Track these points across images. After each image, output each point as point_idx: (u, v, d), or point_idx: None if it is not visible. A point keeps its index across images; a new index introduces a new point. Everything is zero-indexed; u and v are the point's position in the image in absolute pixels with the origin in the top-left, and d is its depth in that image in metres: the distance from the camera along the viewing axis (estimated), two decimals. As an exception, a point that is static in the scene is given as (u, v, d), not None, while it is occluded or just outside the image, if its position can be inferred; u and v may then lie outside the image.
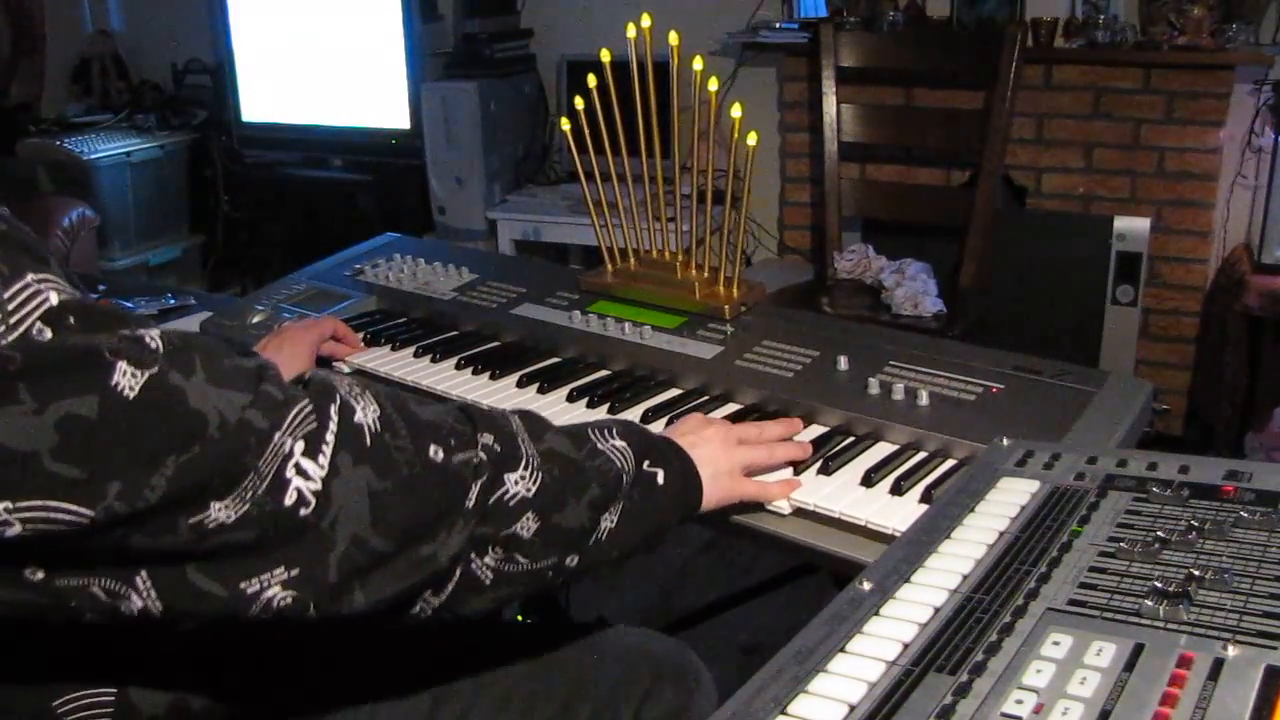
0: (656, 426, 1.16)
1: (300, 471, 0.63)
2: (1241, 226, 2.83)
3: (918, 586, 0.68)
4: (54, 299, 0.58)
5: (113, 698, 0.75)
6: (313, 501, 0.63)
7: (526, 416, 0.81)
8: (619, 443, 0.85)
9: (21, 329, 0.56)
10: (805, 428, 1.14)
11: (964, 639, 0.61)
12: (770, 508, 0.99)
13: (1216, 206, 2.78)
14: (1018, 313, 2.89)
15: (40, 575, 0.59)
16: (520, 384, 1.28)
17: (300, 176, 3.72)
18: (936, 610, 0.65)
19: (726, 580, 2.37)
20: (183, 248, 4.03)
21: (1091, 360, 2.85)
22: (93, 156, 3.68)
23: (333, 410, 0.66)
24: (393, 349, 1.40)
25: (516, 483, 0.74)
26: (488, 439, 0.75)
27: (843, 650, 0.62)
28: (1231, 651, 0.57)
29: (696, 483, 0.91)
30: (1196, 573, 0.64)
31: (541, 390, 1.26)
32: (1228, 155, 2.75)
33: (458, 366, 1.34)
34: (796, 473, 1.03)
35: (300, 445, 0.63)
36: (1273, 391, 2.54)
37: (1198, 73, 2.66)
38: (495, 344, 1.41)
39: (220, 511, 0.60)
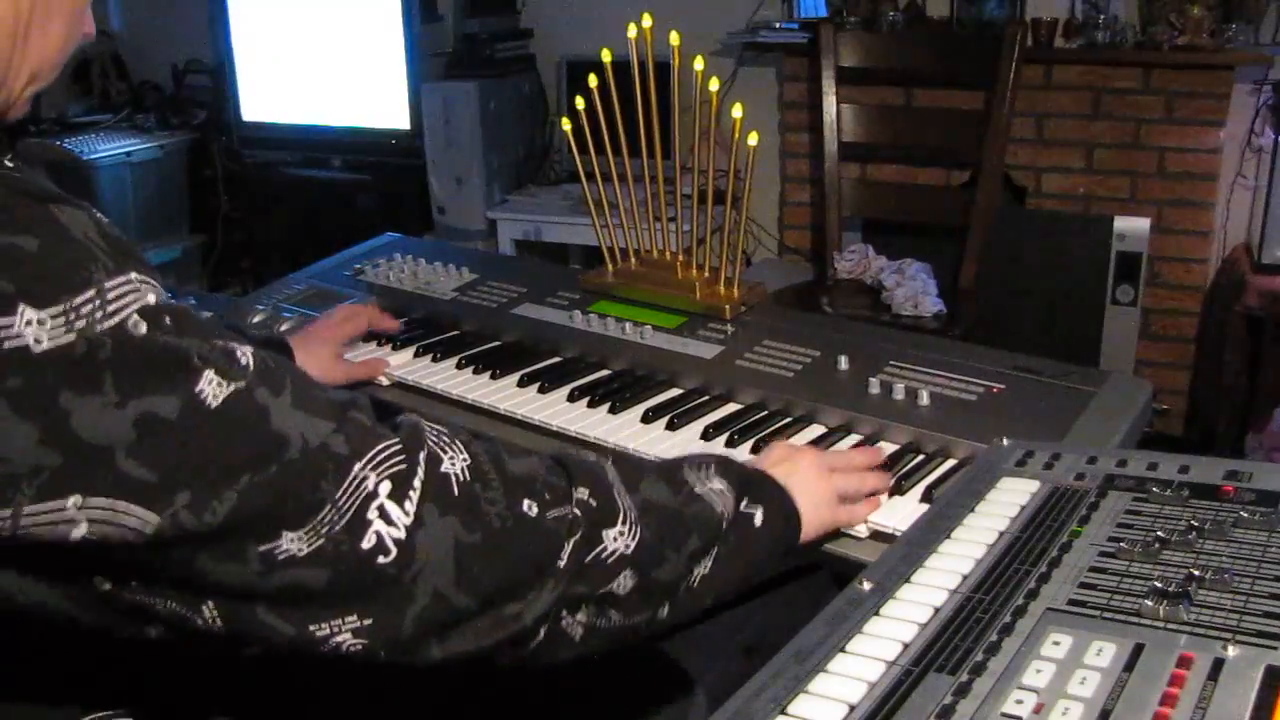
0: (657, 426, 1.16)
1: (384, 515, 0.61)
2: (1241, 226, 2.83)
3: (918, 586, 0.68)
4: (152, 299, 0.57)
5: (136, 714, 0.75)
6: (394, 551, 0.61)
7: (621, 462, 0.78)
8: (718, 484, 0.81)
9: (117, 319, 0.55)
10: (806, 428, 1.14)
11: (964, 639, 0.61)
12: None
13: (1216, 206, 2.78)
14: (1018, 313, 2.89)
15: (108, 587, 0.58)
16: (521, 384, 1.28)
17: (300, 176, 3.71)
18: (936, 610, 0.65)
19: (726, 580, 2.36)
20: (183, 248, 4.03)
21: (1091, 360, 2.85)
22: (93, 156, 3.68)
23: (421, 457, 0.64)
24: (393, 349, 1.40)
25: (615, 539, 0.71)
26: (583, 493, 0.72)
27: (843, 650, 0.62)
28: (1231, 651, 0.57)
29: (795, 518, 0.87)
30: (1196, 573, 0.64)
31: (542, 390, 1.26)
32: (1228, 155, 2.75)
33: (458, 366, 1.34)
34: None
35: (386, 486, 0.62)
36: (1273, 391, 2.54)
37: (1198, 73, 2.66)
38: (496, 344, 1.41)
39: (292, 543, 0.58)
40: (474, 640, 0.65)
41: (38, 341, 0.52)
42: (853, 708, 0.56)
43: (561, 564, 0.68)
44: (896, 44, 2.77)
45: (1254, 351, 2.60)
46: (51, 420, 0.52)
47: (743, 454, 1.09)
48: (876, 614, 0.65)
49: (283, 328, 1.44)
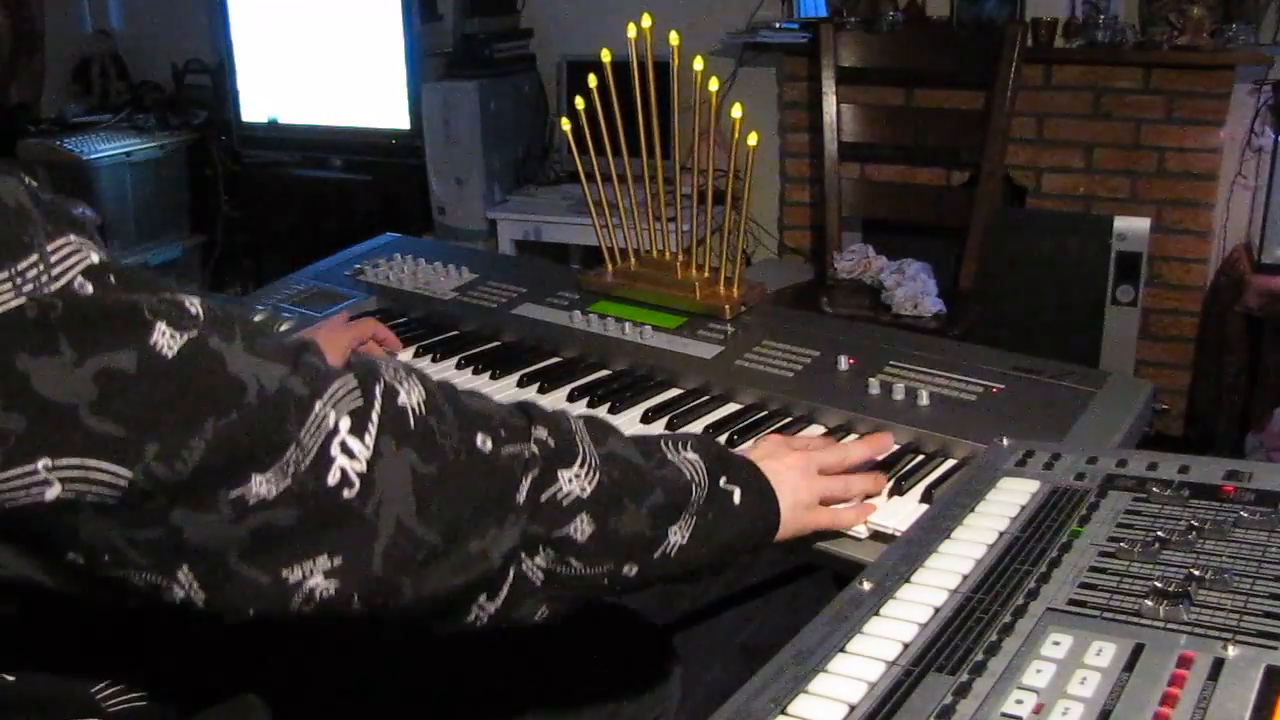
0: (657, 426, 1.16)
1: (345, 450, 0.61)
2: (1241, 226, 2.83)
3: (918, 586, 0.68)
4: (95, 258, 0.57)
5: (149, 681, 0.76)
6: (357, 484, 0.61)
7: (591, 421, 0.78)
8: (691, 455, 0.82)
9: (63, 280, 0.55)
10: (805, 428, 1.14)
11: (964, 639, 0.61)
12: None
13: (1216, 206, 2.78)
14: (1018, 313, 2.89)
15: (81, 562, 0.58)
16: (521, 384, 1.28)
17: (300, 176, 3.71)
18: (936, 610, 0.65)
19: (726, 580, 2.37)
20: (183, 248, 4.03)
21: (1091, 360, 2.85)
22: (93, 156, 3.67)
23: (377, 390, 0.65)
24: (393, 349, 1.40)
25: (571, 481, 0.71)
26: (542, 433, 0.72)
27: (843, 650, 0.62)
28: (1231, 651, 0.57)
29: (775, 509, 0.86)
30: (1196, 573, 0.64)
31: (542, 390, 1.26)
32: (1228, 155, 2.75)
33: (458, 366, 1.34)
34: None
35: (346, 422, 0.62)
36: (1273, 391, 2.54)
37: (1198, 73, 2.66)
38: (495, 344, 1.41)
39: (261, 486, 0.58)
40: (445, 579, 0.65)
41: None
42: (853, 708, 0.56)
43: (520, 499, 0.69)
44: (896, 44, 2.77)
45: (1254, 351, 2.60)
46: (12, 384, 0.52)
47: (743, 454, 1.08)
48: (876, 614, 0.65)
49: (282, 328, 1.44)
